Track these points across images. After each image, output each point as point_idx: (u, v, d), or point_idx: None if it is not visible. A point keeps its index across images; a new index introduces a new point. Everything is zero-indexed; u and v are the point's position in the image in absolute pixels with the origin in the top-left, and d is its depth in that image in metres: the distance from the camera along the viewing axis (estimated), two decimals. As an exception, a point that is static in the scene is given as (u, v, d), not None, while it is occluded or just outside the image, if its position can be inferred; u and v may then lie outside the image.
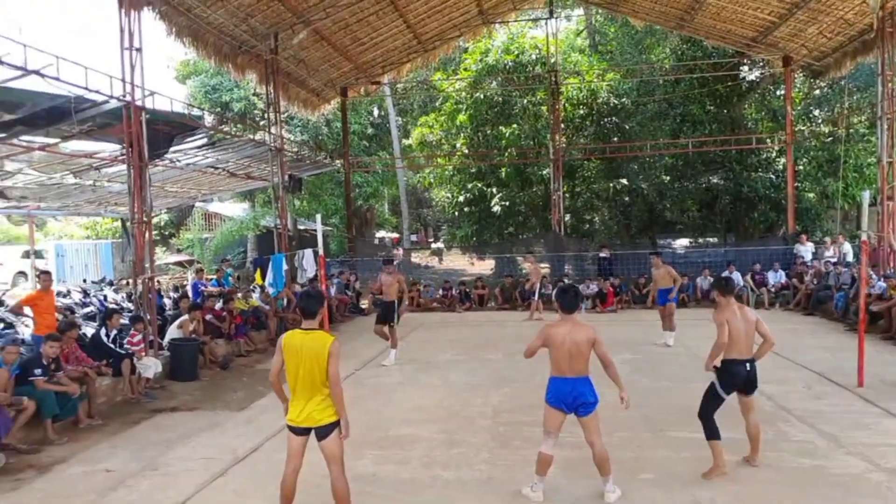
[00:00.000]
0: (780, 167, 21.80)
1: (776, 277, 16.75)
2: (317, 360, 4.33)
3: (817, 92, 25.05)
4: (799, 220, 20.40)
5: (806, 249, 17.58)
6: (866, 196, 8.56)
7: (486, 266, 25.51)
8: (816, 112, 25.19)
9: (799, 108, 23.32)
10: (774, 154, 22.63)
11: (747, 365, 5.36)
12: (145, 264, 10.25)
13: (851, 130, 21.22)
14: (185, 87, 29.31)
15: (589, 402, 4.85)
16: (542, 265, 21.19)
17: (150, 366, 8.99)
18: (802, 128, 23.02)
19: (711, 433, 5.36)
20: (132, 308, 11.69)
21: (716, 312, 5.49)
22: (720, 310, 5.48)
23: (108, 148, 11.75)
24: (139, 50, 10.00)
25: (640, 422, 6.96)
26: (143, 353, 9.27)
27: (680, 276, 15.78)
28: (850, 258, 16.48)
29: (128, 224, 9.89)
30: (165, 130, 11.35)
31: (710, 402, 5.40)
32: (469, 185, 24.01)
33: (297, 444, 4.52)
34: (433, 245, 39.39)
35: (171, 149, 12.48)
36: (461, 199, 24.27)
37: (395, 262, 23.47)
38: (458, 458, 6.04)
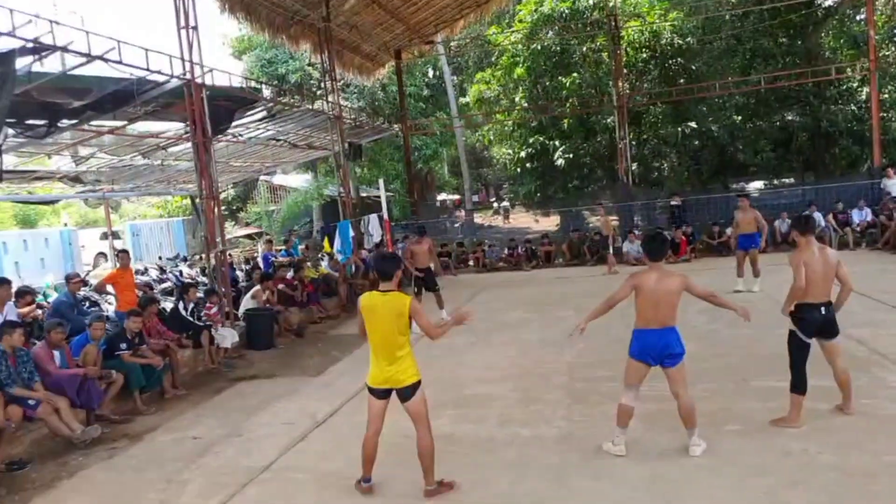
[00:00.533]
0: (863, 97, 20.40)
1: (861, 216, 15.81)
2: (396, 320, 4.32)
3: (903, 12, 23.12)
4: (885, 153, 19.04)
5: (893, 184, 16.44)
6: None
7: (551, 223, 25.16)
8: (902, 34, 23.29)
9: (883, 31, 21.58)
10: (856, 84, 21.13)
11: (822, 309, 5.07)
12: (216, 239, 10.55)
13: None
14: (242, 62, 29.74)
15: (676, 353, 4.71)
16: (612, 218, 20.71)
17: (227, 336, 9.31)
18: (887, 53, 21.33)
19: (796, 385, 5.14)
20: (207, 282, 12.12)
21: (793, 254, 5.20)
22: (798, 251, 5.19)
23: (172, 127, 12.08)
24: (195, 28, 10.12)
25: (724, 372, 6.73)
26: (220, 324, 9.61)
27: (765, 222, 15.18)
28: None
29: (197, 201, 10.18)
30: (226, 106, 11.53)
31: (796, 350, 5.15)
32: (530, 140, 23.52)
33: (378, 407, 4.53)
34: (496, 204, 39.10)
35: (233, 123, 12.69)
36: (522, 154, 23.84)
37: (457, 224, 23.60)
38: (535, 416, 6.00)
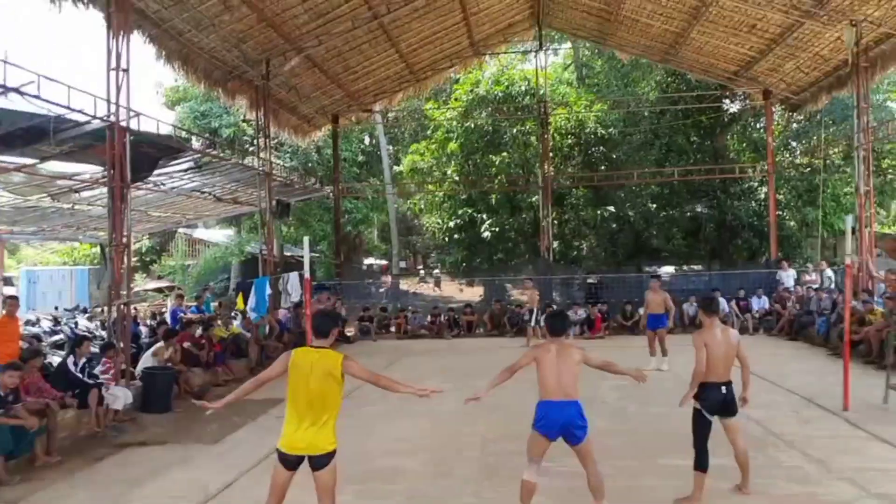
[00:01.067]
0: (762, 196, 22.12)
1: (760, 303, 16.80)
2: (331, 377, 4.13)
3: (795, 125, 25.57)
4: (781, 247, 20.64)
5: (788, 275, 17.70)
6: (849, 220, 8.61)
7: (475, 293, 25.39)
8: (795, 143, 25.68)
9: (779, 139, 23.70)
10: (756, 184, 22.98)
11: (723, 388, 5.29)
12: (122, 290, 10.01)
13: (828, 161, 21.62)
14: (174, 112, 29.27)
15: (579, 428, 4.74)
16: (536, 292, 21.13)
17: (120, 396, 8.54)
18: (782, 158, 23.37)
19: (699, 463, 5.26)
20: (105, 336, 11.39)
21: (696, 334, 5.43)
22: (701, 331, 5.45)
23: (88, 170, 11.59)
24: (126, 71, 9.90)
25: (630, 449, 6.81)
26: (113, 383, 8.95)
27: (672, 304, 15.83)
28: (831, 284, 16.59)
29: (106, 249, 9.68)
30: (150, 153, 11.21)
31: (700, 427, 5.30)
32: (459, 212, 24.09)
33: (284, 478, 4.18)
34: (423, 272, 39.21)
35: (156, 171, 12.33)
36: (451, 224, 24.33)
37: (382, 290, 23.45)
38: (444, 491, 5.85)
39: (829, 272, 17.20)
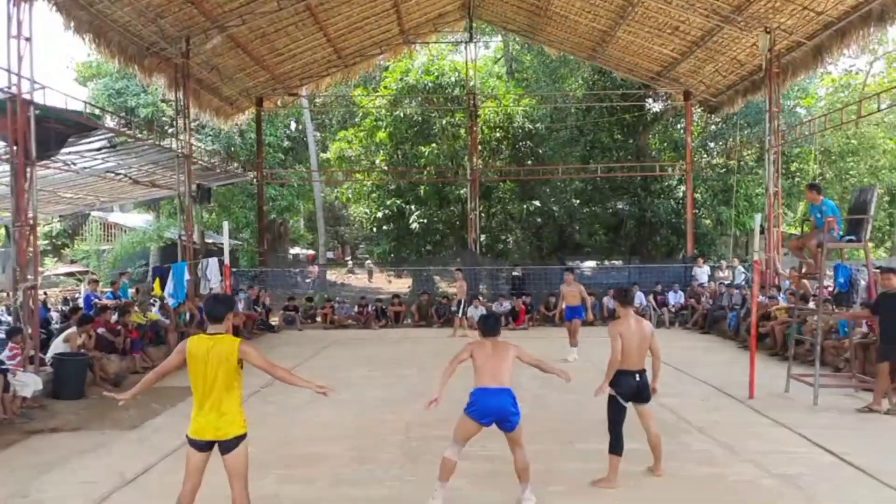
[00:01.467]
0: (680, 195, 23.10)
1: (676, 298, 17.57)
2: (226, 363, 4.10)
3: (713, 126, 26.83)
4: (696, 245, 21.63)
5: (702, 272, 18.60)
6: (758, 219, 9.13)
7: (403, 284, 25.39)
8: (712, 144, 26.95)
9: (697, 140, 24.82)
10: (675, 182, 23.96)
11: (637, 375, 5.53)
12: (28, 273, 9.45)
13: (742, 163, 22.82)
14: (87, 89, 27.75)
15: (512, 414, 4.87)
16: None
17: (29, 383, 8.16)
18: (700, 158, 24.50)
19: (614, 447, 5.48)
20: (11, 321, 10.75)
21: (612, 324, 5.66)
22: (617, 321, 5.67)
23: (-12, 145, 10.86)
24: (28, 39, 9.30)
25: (551, 434, 7.02)
26: (21, 369, 8.48)
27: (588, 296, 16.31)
28: (743, 280, 17.53)
29: (11, 230, 9.12)
30: (58, 129, 10.59)
31: (615, 413, 5.52)
32: (388, 202, 23.96)
33: (197, 461, 4.20)
34: (351, 262, 38.81)
35: (64, 150, 11.67)
36: (379, 215, 24.18)
37: (308, 280, 23.09)
38: (367, 476, 5.85)
39: (740, 268, 18.17)
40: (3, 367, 8.11)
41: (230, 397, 4.15)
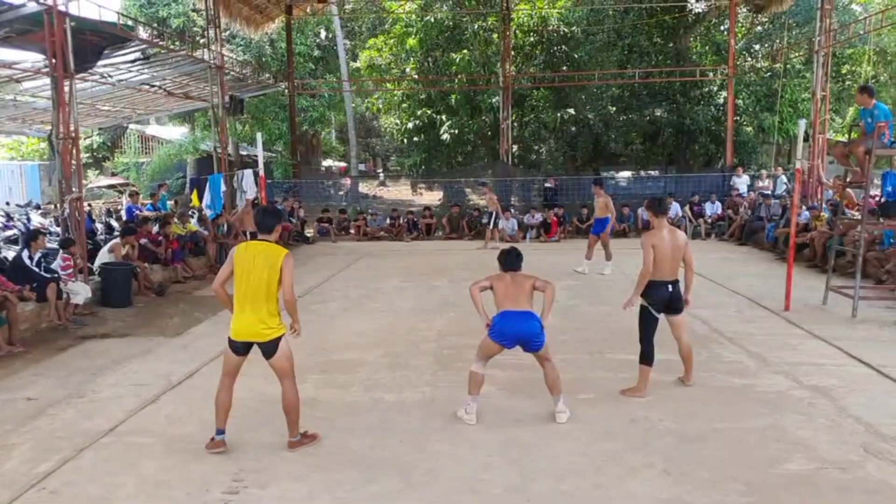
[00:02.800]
0: (721, 101, 22.11)
1: (713, 209, 17.21)
2: (270, 269, 4.30)
3: (759, 28, 25.25)
4: (736, 153, 20.91)
5: (742, 181, 18.08)
6: (802, 125, 8.72)
7: (434, 196, 25.32)
8: (757, 47, 25.45)
9: (741, 42, 23.48)
10: (716, 88, 22.87)
11: (669, 286, 5.46)
12: (72, 185, 9.66)
13: (789, 66, 21.59)
14: (117, -1, 27.26)
15: (537, 335, 4.87)
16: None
17: (80, 291, 8.56)
18: (744, 62, 23.26)
19: (644, 357, 5.50)
20: (59, 232, 11.12)
21: (645, 235, 5.55)
22: (650, 232, 5.55)
23: (29, 58, 10.87)
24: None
25: (580, 344, 7.11)
26: (73, 278, 8.84)
27: (620, 207, 16.13)
28: (781, 190, 17.00)
29: (55, 143, 9.27)
30: (94, 41, 10.54)
31: (646, 324, 5.51)
32: (418, 112, 23.48)
33: (236, 362, 4.48)
34: (382, 174, 38.72)
35: (101, 62, 11.65)
36: (410, 126, 23.77)
37: (341, 192, 23.20)
38: (400, 381, 6.04)
39: (783, 178, 17.59)
40: (57, 275, 8.48)
41: (270, 302, 4.35)
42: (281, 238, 11.06)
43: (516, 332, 4.87)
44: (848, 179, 9.23)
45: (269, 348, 4.39)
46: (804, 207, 13.36)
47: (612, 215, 11.86)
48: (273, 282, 4.32)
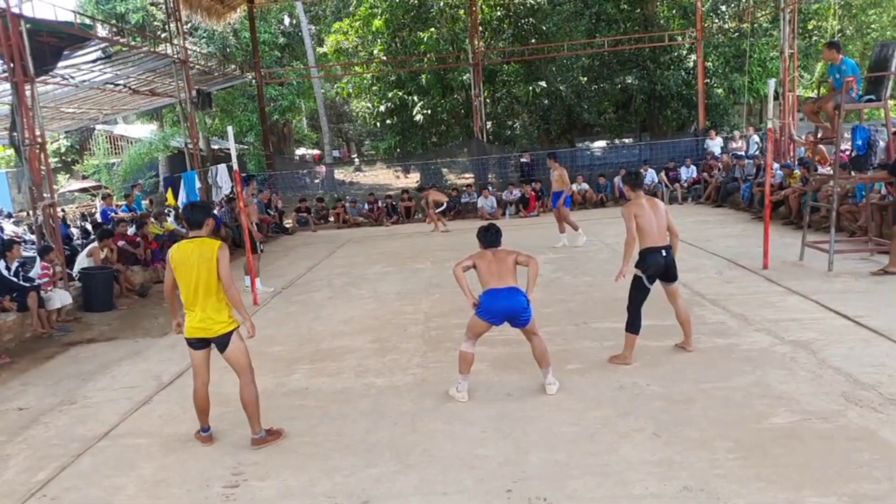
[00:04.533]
0: (691, 64, 22.23)
1: (688, 173, 17.38)
2: (207, 265, 4.31)
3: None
4: (708, 116, 21.10)
5: (715, 144, 18.26)
6: (772, 84, 8.80)
7: (411, 179, 25.26)
8: (724, 8, 25.53)
9: (708, 3, 23.55)
10: (685, 51, 22.97)
11: (663, 251, 5.53)
12: (44, 191, 9.51)
13: (756, 25, 21.72)
14: (70, -4, 26.58)
15: (523, 309, 4.91)
16: (466, 175, 21.30)
17: (57, 298, 8.48)
18: (712, 24, 23.34)
19: (631, 325, 5.57)
20: (35, 240, 10.96)
21: (625, 207, 5.61)
22: (629, 203, 5.61)
23: (-15, 64, 10.59)
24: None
25: (565, 316, 7.20)
26: (52, 285, 8.75)
27: (597, 177, 16.13)
28: (754, 150, 17.19)
29: (22, 149, 9.10)
30: (52, 42, 10.30)
31: (637, 293, 5.58)
32: (389, 94, 23.31)
33: (199, 358, 4.54)
34: (357, 160, 38.49)
35: (61, 63, 11.40)
36: (382, 109, 23.61)
37: (317, 180, 23.02)
38: (391, 365, 6.09)
39: (755, 137, 17.79)
40: (36, 284, 8.38)
41: (214, 297, 4.37)
42: (259, 231, 11.05)
43: (503, 308, 4.91)
44: (819, 136, 9.38)
45: (221, 343, 4.42)
46: (777, 166, 13.54)
47: (566, 188, 11.57)
48: (213, 277, 4.32)
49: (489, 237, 5.16)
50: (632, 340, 5.61)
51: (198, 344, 4.48)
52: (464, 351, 5.11)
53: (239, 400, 4.51)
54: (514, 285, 4.95)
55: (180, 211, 13.56)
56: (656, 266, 5.51)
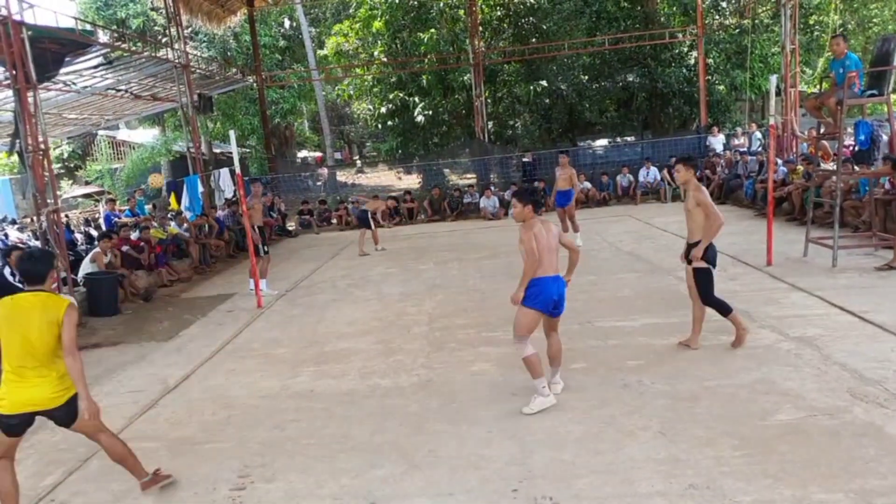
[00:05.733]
0: (692, 61, 22.19)
1: (691, 171, 17.30)
2: (49, 328, 3.58)
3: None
4: (710, 113, 21.05)
5: (717, 140, 18.23)
6: (774, 80, 8.79)
7: (413, 179, 25.28)
8: (724, 4, 25.50)
9: (708, 0, 23.52)
10: (686, 48, 22.95)
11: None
12: (47, 197, 9.54)
13: (757, 20, 21.67)
14: (74, 2, 26.75)
15: (564, 298, 4.88)
16: (468, 175, 21.28)
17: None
18: (712, 21, 23.30)
19: (724, 309, 5.65)
20: (39, 246, 11.00)
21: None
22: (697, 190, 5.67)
23: (-12, 72, 10.65)
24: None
25: (569, 315, 7.08)
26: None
27: (600, 175, 16.09)
28: (756, 147, 17.16)
29: (25, 156, 9.14)
30: (54, 49, 10.33)
31: (707, 281, 5.65)
32: (390, 96, 23.33)
33: (7, 445, 3.69)
34: (359, 162, 38.53)
35: (63, 69, 11.44)
36: (383, 110, 23.62)
37: (319, 183, 23.03)
38: (395, 366, 6.10)
39: (757, 134, 17.75)
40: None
41: (59, 363, 3.66)
42: (263, 233, 11.07)
43: (557, 297, 4.79)
44: (822, 131, 9.35)
45: (66, 412, 3.69)
46: (780, 162, 13.51)
47: (576, 188, 11.32)
48: (55, 340, 3.59)
49: (539, 199, 4.88)
50: (737, 318, 5.66)
51: (19, 424, 3.64)
52: (527, 357, 4.75)
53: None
54: (557, 274, 4.83)
55: (183, 214, 13.61)
56: (714, 253, 5.61)
